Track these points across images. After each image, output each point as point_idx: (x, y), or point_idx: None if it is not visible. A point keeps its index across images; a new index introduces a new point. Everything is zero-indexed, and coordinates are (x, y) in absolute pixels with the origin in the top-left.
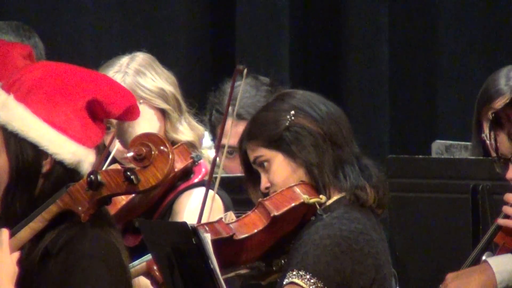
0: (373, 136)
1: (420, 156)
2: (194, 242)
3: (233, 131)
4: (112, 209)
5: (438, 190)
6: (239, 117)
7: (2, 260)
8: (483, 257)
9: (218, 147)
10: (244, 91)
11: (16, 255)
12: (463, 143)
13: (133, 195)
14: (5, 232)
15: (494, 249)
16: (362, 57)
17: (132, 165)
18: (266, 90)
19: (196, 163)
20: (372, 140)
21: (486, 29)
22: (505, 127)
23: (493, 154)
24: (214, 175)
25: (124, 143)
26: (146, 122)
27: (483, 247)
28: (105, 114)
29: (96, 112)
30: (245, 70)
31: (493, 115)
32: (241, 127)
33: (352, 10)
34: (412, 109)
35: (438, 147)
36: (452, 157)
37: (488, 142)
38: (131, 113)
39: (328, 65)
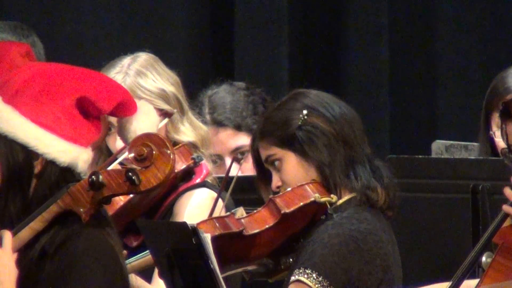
0: (373, 136)
1: (420, 156)
2: (194, 242)
3: (214, 139)
4: (111, 209)
5: (438, 190)
6: (219, 124)
7: (5, 262)
8: (483, 258)
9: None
10: (221, 98)
11: (15, 256)
12: (463, 143)
13: (132, 195)
14: (8, 234)
15: (494, 249)
16: (362, 57)
17: (133, 166)
18: (243, 94)
19: (197, 164)
20: (372, 140)
21: (486, 29)
22: None
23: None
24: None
25: (124, 139)
26: (145, 117)
27: (482, 248)
28: (96, 111)
29: (88, 110)
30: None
31: (503, 105)
32: (222, 134)
33: (352, 10)
34: (412, 109)
35: (438, 147)
36: (452, 157)
37: (496, 139)
38: (125, 108)
39: (328, 65)
